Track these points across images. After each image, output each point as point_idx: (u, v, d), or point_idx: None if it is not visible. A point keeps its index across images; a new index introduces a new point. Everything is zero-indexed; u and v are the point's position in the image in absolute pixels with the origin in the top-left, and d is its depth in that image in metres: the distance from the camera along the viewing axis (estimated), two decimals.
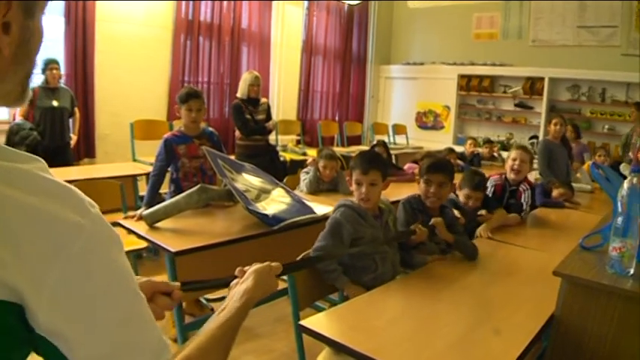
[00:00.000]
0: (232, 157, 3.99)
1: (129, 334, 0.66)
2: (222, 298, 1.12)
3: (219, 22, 7.03)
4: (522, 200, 3.55)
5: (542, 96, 8.25)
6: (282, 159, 5.90)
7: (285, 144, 6.96)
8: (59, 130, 5.02)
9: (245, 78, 5.37)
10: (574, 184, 4.71)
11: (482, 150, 7.06)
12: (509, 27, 8.72)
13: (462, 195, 3.25)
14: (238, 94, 5.37)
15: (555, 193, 4.35)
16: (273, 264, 1.24)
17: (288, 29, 8.18)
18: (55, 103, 4.99)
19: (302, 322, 1.79)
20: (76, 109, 5.32)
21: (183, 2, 6.56)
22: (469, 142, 7.07)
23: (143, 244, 3.18)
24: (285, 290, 2.25)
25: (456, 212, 2.98)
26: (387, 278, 2.37)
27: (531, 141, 8.11)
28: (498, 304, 2.08)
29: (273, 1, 7.82)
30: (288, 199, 3.20)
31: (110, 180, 3.73)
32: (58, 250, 0.59)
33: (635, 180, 1.85)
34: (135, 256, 3.70)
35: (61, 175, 0.72)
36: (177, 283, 1.14)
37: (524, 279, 2.39)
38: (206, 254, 2.61)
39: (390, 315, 2.00)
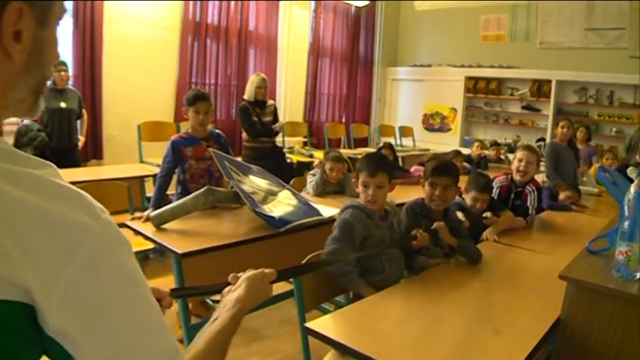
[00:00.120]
0: (239, 159, 4.00)
1: (137, 337, 0.66)
2: None
3: (226, 24, 7.05)
4: (528, 203, 3.50)
5: (549, 98, 8.23)
6: (288, 161, 5.90)
7: (292, 146, 6.96)
8: (67, 132, 5.05)
9: (252, 80, 5.38)
10: (581, 187, 4.69)
11: (489, 152, 7.05)
12: (517, 29, 8.70)
13: (469, 198, 3.23)
14: (245, 96, 5.39)
15: (562, 196, 4.33)
16: (267, 270, 1.23)
17: (295, 31, 8.20)
18: (62, 105, 5.02)
19: (308, 325, 1.80)
20: (84, 111, 5.34)
21: (191, 4, 6.59)
22: (476, 144, 7.05)
23: (150, 246, 3.19)
24: (291, 292, 2.25)
25: (461, 215, 2.97)
26: (393, 280, 2.38)
27: (538, 143, 8.09)
28: (504, 308, 2.07)
29: (280, 3, 7.84)
30: (294, 201, 3.20)
31: (117, 181, 3.74)
32: (68, 253, 0.60)
33: None
34: (141, 257, 3.71)
35: (68, 176, 0.73)
36: (168, 289, 1.13)
37: (530, 282, 2.38)
38: (212, 256, 2.61)
39: (396, 318, 2.00)
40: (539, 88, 8.36)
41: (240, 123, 5.55)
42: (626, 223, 1.85)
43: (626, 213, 1.86)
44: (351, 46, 9.28)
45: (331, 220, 2.84)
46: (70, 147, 5.10)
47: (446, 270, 2.49)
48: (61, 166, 0.76)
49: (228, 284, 1.19)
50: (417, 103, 9.77)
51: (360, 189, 2.49)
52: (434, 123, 9.56)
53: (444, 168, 2.69)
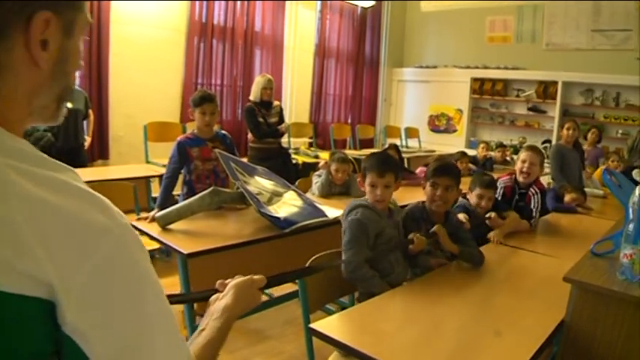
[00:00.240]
0: (245, 160, 4.01)
1: (152, 337, 0.68)
2: None
3: (232, 25, 7.07)
4: (532, 206, 3.47)
5: (555, 100, 8.22)
6: (294, 162, 5.91)
7: (298, 146, 6.97)
8: (73, 132, 5.06)
9: (258, 81, 5.39)
10: (586, 189, 4.68)
11: (495, 154, 7.04)
12: (523, 30, 8.69)
13: (473, 196, 3.20)
14: (251, 97, 5.40)
15: (567, 198, 4.32)
16: (256, 277, 1.20)
17: (300, 32, 8.20)
18: (69, 105, 5.03)
19: (312, 325, 1.80)
20: (90, 111, 5.35)
21: (197, 5, 6.60)
22: (481, 145, 7.03)
23: (155, 246, 3.20)
24: (296, 293, 2.26)
25: (462, 217, 2.95)
26: (400, 280, 2.39)
27: (544, 145, 8.06)
28: (507, 310, 2.07)
29: (286, 4, 7.85)
30: (299, 202, 3.21)
31: (123, 181, 3.75)
32: (87, 251, 0.62)
33: None
34: None
35: None
36: None
37: (534, 284, 2.38)
38: (218, 256, 2.62)
39: (399, 319, 2.01)
40: (545, 89, 8.35)
41: (245, 124, 5.56)
42: (631, 226, 1.85)
43: (631, 216, 1.86)
44: (356, 47, 9.28)
45: (336, 222, 2.85)
46: (77, 147, 5.11)
47: (449, 272, 2.50)
48: None
49: (216, 291, 1.17)
50: (422, 104, 9.77)
51: (366, 189, 2.48)
52: (439, 124, 9.56)
53: (445, 168, 2.67)
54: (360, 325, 1.90)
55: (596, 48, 7.94)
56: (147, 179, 4.44)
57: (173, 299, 1.45)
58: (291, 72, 8.16)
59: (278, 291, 3.41)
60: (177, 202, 3.13)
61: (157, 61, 6.32)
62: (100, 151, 5.88)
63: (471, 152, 6.87)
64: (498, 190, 3.55)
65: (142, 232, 2.81)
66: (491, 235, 3.08)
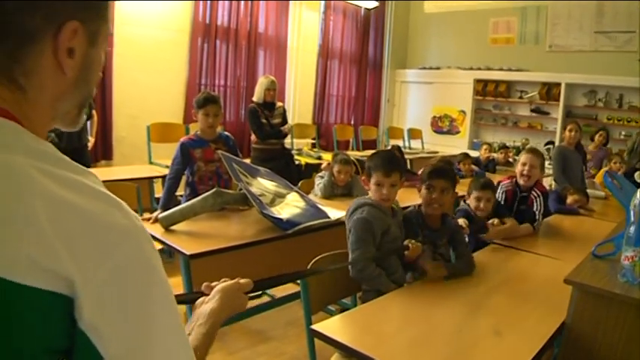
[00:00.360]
0: (248, 161, 4.02)
1: (164, 337, 0.69)
2: None
3: (236, 26, 7.08)
4: (534, 209, 3.44)
5: (558, 101, 8.21)
6: (297, 163, 5.91)
7: (301, 147, 6.98)
8: (76, 133, 5.05)
9: (261, 82, 5.40)
10: (589, 191, 4.68)
11: (498, 155, 7.04)
12: (526, 32, 8.69)
13: (472, 199, 3.20)
14: (254, 98, 5.41)
15: (570, 199, 4.32)
16: (243, 280, 1.20)
17: (304, 33, 8.21)
18: None
19: (314, 327, 1.81)
20: (94, 112, 5.37)
21: (201, 6, 6.61)
22: (484, 147, 7.03)
23: (158, 247, 3.20)
24: (298, 294, 2.27)
25: (462, 222, 2.95)
26: (404, 280, 2.40)
27: (547, 147, 8.07)
28: (508, 311, 2.08)
29: (290, 5, 7.86)
30: (302, 204, 3.22)
31: (126, 182, 3.76)
32: (107, 251, 0.64)
33: None
34: None
35: None
36: None
37: (536, 286, 2.39)
38: (220, 257, 2.63)
39: (401, 320, 2.02)
40: (549, 91, 8.34)
41: (249, 125, 5.57)
42: (632, 229, 1.85)
43: (632, 218, 1.87)
44: (360, 48, 9.30)
45: (338, 223, 2.86)
46: (80, 148, 5.12)
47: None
48: None
49: (202, 294, 1.17)
50: (425, 106, 9.77)
51: (372, 188, 2.49)
52: (442, 125, 9.56)
53: (440, 171, 2.64)
54: (362, 326, 1.91)
55: (599, 49, 7.94)
56: (150, 180, 4.45)
57: None
58: (294, 73, 8.17)
59: (280, 292, 3.44)
60: (180, 203, 3.13)
61: (160, 62, 6.33)
62: (104, 152, 5.89)
63: (473, 153, 6.88)
64: (500, 195, 3.53)
65: None
66: (490, 232, 3.07)
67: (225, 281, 1.20)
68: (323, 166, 4.81)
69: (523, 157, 3.57)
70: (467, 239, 3.17)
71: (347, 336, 1.78)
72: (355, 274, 2.34)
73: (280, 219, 2.91)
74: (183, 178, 3.56)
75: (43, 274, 0.60)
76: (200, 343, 0.99)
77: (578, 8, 8.07)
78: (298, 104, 8.29)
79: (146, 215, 3.10)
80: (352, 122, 9.31)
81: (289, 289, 3.26)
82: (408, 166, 6.27)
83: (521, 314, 2.03)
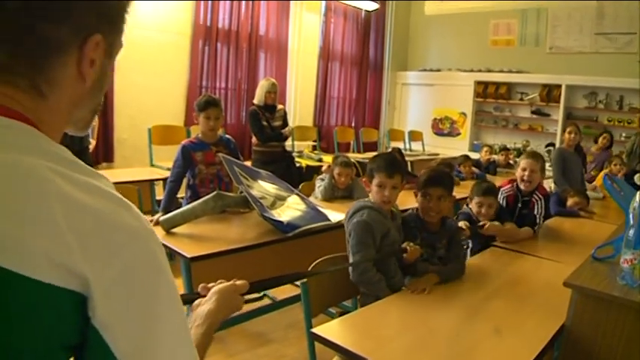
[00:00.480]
0: (248, 164, 4.03)
1: (171, 335, 0.71)
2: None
3: (237, 29, 7.08)
4: (535, 212, 3.43)
5: (559, 103, 8.22)
6: (297, 165, 5.91)
7: (301, 150, 6.98)
8: (78, 135, 5.07)
9: (262, 85, 5.41)
10: (588, 193, 4.68)
11: (498, 157, 7.03)
12: (527, 34, 8.69)
13: (474, 205, 3.19)
14: (255, 101, 5.41)
15: (570, 202, 4.32)
16: (239, 282, 1.21)
17: (305, 35, 8.22)
18: None
19: (314, 330, 1.82)
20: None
21: (202, 8, 6.62)
22: (485, 149, 7.01)
23: None
24: (298, 297, 2.27)
25: (463, 225, 2.95)
26: (400, 285, 2.39)
27: (548, 149, 8.07)
28: (508, 313, 2.08)
29: (291, 7, 7.87)
30: (303, 207, 3.23)
31: (128, 184, 3.76)
32: (118, 250, 0.66)
33: None
34: None
35: None
36: None
37: (536, 289, 2.39)
38: (221, 260, 2.63)
39: (400, 324, 2.02)
40: (549, 92, 8.35)
41: (249, 127, 5.58)
42: (631, 232, 1.86)
43: (631, 221, 1.87)
44: (361, 50, 9.30)
45: (339, 225, 2.86)
46: (81, 150, 5.11)
47: None
48: None
49: (199, 295, 1.19)
50: (426, 108, 9.78)
51: (373, 189, 2.48)
52: (443, 127, 9.57)
53: (436, 178, 2.63)
54: (362, 329, 1.91)
55: (599, 51, 7.94)
56: (151, 182, 4.46)
57: None
58: (295, 75, 8.17)
59: (280, 295, 3.44)
60: (181, 206, 3.14)
61: (161, 65, 6.34)
62: (105, 154, 5.89)
63: (474, 155, 6.87)
64: (501, 200, 3.51)
65: None
66: (487, 227, 3.07)
67: (221, 283, 1.21)
68: (324, 168, 4.82)
69: (523, 163, 3.55)
70: (470, 244, 3.19)
71: (347, 339, 1.78)
72: (355, 277, 2.34)
73: (281, 222, 2.91)
74: (185, 181, 3.57)
75: (57, 271, 0.62)
76: (198, 343, 1.01)
77: (579, 10, 8.08)
78: (299, 106, 8.29)
79: (147, 218, 3.09)
80: (353, 124, 9.31)
81: (289, 291, 3.27)
82: (409, 169, 6.28)
83: (521, 317, 2.04)
